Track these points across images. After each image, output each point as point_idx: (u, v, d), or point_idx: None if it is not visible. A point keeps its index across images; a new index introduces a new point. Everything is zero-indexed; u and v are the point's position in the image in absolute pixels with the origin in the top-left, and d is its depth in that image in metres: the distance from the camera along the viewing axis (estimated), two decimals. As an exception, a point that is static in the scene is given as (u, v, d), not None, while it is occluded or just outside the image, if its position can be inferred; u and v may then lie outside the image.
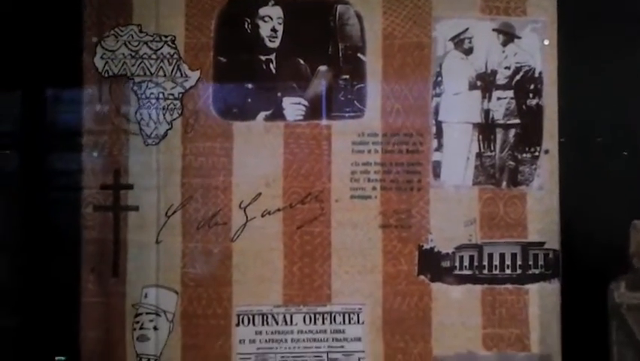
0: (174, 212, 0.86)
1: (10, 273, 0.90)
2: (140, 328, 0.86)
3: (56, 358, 0.88)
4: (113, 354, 0.86)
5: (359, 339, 0.87)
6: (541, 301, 0.87)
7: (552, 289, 0.87)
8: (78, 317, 0.86)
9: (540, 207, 0.87)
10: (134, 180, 0.87)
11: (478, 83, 0.88)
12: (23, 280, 0.89)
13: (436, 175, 0.87)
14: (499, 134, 0.88)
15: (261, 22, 0.88)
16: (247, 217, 0.86)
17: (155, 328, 0.86)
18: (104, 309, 0.86)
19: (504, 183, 0.88)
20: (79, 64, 0.87)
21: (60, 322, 0.87)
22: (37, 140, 0.91)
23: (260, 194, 0.87)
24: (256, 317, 0.87)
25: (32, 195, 0.90)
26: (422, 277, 0.87)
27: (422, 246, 0.87)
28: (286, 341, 0.87)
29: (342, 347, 0.87)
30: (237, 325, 0.87)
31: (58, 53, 0.88)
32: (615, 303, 0.79)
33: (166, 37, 0.87)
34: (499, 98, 0.88)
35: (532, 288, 0.87)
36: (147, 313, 0.86)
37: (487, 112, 0.88)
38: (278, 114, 0.87)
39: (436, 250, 0.87)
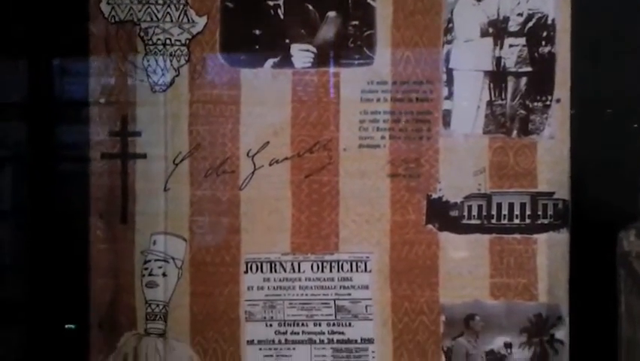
0: (182, 160, 0.86)
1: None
2: (149, 274, 0.87)
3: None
4: (122, 300, 0.87)
5: (366, 287, 0.87)
6: (550, 251, 0.87)
7: (561, 239, 0.86)
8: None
9: (550, 157, 0.86)
10: (142, 128, 0.87)
11: (490, 30, 0.86)
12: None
13: (446, 124, 0.87)
14: (511, 83, 0.86)
15: (268, -33, 0.86)
16: (255, 166, 0.86)
17: (164, 274, 0.87)
18: (112, 256, 0.87)
19: (514, 132, 0.86)
20: (85, 9, 0.86)
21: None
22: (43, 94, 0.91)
23: (268, 143, 0.86)
24: (264, 265, 0.87)
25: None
26: (430, 226, 0.87)
27: (430, 195, 0.87)
28: (294, 288, 0.87)
29: (350, 294, 0.87)
30: (246, 272, 0.87)
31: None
32: (624, 251, 0.79)
33: (172, -18, 0.86)
34: (510, 46, 0.86)
35: (541, 238, 0.87)
36: (156, 260, 0.87)
37: (498, 60, 0.86)
38: (286, 61, 0.86)
39: (444, 199, 0.87)
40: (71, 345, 0.87)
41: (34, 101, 0.89)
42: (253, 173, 0.86)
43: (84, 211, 0.86)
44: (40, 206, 0.88)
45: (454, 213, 0.87)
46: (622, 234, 0.79)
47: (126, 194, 0.86)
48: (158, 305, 0.87)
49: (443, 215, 0.87)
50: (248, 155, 0.86)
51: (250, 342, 0.87)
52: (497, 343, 0.87)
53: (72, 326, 0.88)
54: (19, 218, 0.92)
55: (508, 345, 0.87)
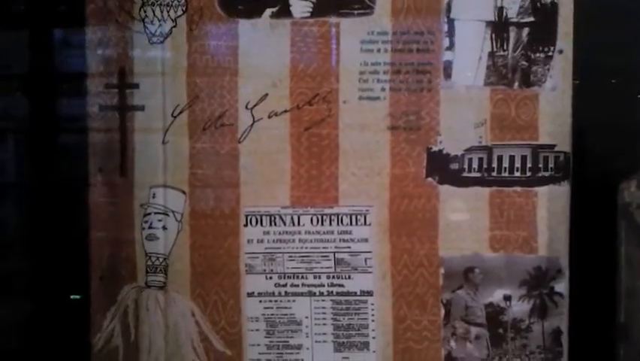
0: (180, 112, 0.86)
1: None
2: (149, 227, 0.87)
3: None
4: (122, 253, 0.87)
5: (366, 240, 0.87)
6: (550, 203, 0.86)
7: (561, 191, 0.86)
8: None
9: (552, 109, 0.85)
10: (140, 80, 0.86)
11: (492, -21, 0.85)
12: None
13: (447, 75, 0.85)
14: (513, 33, 0.85)
15: None
16: (254, 118, 0.86)
17: (164, 227, 0.87)
18: (112, 209, 0.87)
19: (516, 84, 0.85)
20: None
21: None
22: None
23: (267, 95, 0.85)
24: (264, 218, 0.87)
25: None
26: (430, 179, 0.86)
27: (431, 148, 0.86)
28: (294, 241, 0.87)
29: (349, 247, 0.87)
30: (245, 225, 0.87)
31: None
32: (625, 202, 0.79)
33: None
34: (513, -5, 0.85)
35: (542, 191, 0.86)
36: (156, 213, 0.87)
37: (500, 10, 0.85)
38: (284, 11, 0.85)
39: (444, 152, 0.86)
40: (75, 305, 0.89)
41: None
42: (252, 126, 0.86)
43: (84, 171, 0.87)
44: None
45: (455, 166, 0.86)
46: (623, 185, 0.79)
47: (125, 147, 0.86)
48: (158, 258, 0.87)
49: (443, 168, 0.86)
50: (247, 107, 0.85)
51: (250, 294, 0.88)
52: (497, 296, 0.87)
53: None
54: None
55: (507, 298, 0.87)
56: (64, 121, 0.91)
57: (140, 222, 0.87)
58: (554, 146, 0.86)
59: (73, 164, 0.88)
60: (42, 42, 0.90)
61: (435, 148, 0.86)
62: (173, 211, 0.87)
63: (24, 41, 0.90)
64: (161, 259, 0.87)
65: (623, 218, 0.79)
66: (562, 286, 0.87)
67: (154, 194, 0.86)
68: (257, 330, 0.88)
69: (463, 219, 0.87)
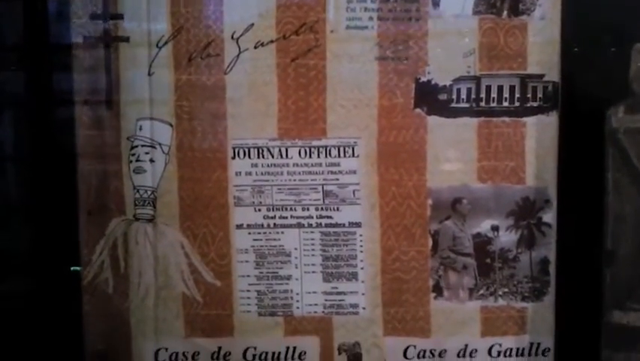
0: (165, 43, 0.84)
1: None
2: (137, 160, 0.87)
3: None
4: (110, 186, 0.87)
5: (354, 172, 0.87)
6: (539, 134, 0.86)
7: (550, 121, 0.86)
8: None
9: (541, 38, 0.84)
10: (124, 10, 0.85)
11: None
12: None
13: (435, 4, 0.84)
14: (502, -40, 0.84)
15: None
16: (240, 49, 0.85)
17: (152, 160, 0.87)
18: (99, 142, 0.87)
19: (505, 13, 0.84)
20: None
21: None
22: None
23: (252, 24, 0.84)
24: (252, 150, 0.87)
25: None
26: (418, 110, 0.86)
27: (419, 78, 0.85)
28: (282, 173, 0.87)
29: (337, 179, 0.87)
30: (233, 158, 0.87)
31: None
32: (612, 128, 0.79)
33: None
34: None
35: (530, 121, 0.86)
36: (142, 146, 0.86)
37: (489, -64, 0.84)
38: (270, -62, 0.83)
39: (433, 82, 0.85)
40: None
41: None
42: (238, 56, 0.85)
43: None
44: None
45: (443, 96, 0.86)
46: (611, 110, 0.78)
47: (110, 79, 0.85)
48: (146, 191, 0.87)
49: (432, 98, 0.86)
50: (232, 37, 0.84)
51: (239, 226, 0.88)
52: (484, 226, 0.88)
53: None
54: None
55: (495, 228, 0.88)
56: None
57: (127, 155, 0.87)
58: (543, 76, 0.85)
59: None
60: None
61: (423, 79, 0.86)
62: (160, 144, 0.86)
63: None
64: (149, 192, 0.87)
65: (610, 144, 0.79)
66: (550, 217, 0.87)
67: (140, 126, 0.86)
68: (246, 262, 0.88)
69: (452, 150, 0.87)
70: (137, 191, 0.87)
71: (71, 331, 0.89)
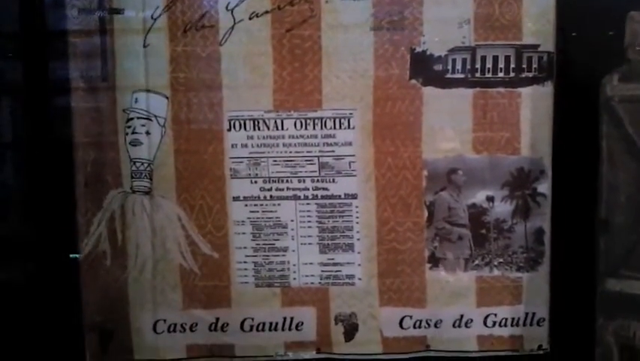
0: (160, 14, 0.84)
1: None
2: (133, 132, 0.87)
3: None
4: (107, 159, 0.87)
5: (350, 144, 0.87)
6: (534, 104, 0.86)
7: (545, 92, 0.86)
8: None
9: (536, 8, 0.84)
10: (118, -19, 0.85)
11: None
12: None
13: (430, -26, 0.84)
14: None
15: None
16: (235, 20, 0.84)
17: (148, 132, 0.87)
18: (95, 114, 0.87)
19: (500, -17, 0.85)
20: None
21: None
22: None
23: (247, -5, 0.85)
24: (247, 122, 0.87)
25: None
26: (414, 81, 0.86)
27: (414, 49, 0.85)
28: (278, 145, 0.88)
29: (333, 151, 0.88)
30: (229, 130, 0.87)
31: None
32: (607, 96, 0.79)
33: None
34: None
35: (525, 91, 0.86)
36: (138, 118, 0.86)
37: None
38: None
39: (428, 52, 0.85)
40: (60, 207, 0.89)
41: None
42: (233, 27, 0.85)
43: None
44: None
45: (438, 67, 0.86)
46: (605, 79, 0.78)
47: (105, 51, 0.85)
48: (142, 163, 0.87)
49: (427, 69, 0.86)
50: (227, 8, 0.84)
51: (236, 198, 0.88)
52: (479, 197, 0.88)
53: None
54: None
55: (490, 199, 0.88)
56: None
57: (123, 127, 0.87)
58: (538, 46, 0.85)
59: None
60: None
61: (419, 49, 0.85)
62: (155, 116, 0.86)
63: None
64: (145, 165, 0.87)
65: (605, 112, 0.79)
66: (545, 187, 0.88)
67: (136, 99, 0.86)
68: (243, 233, 0.89)
69: (447, 121, 0.87)
70: (134, 163, 0.87)
71: (70, 303, 0.90)
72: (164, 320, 0.90)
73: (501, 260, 0.89)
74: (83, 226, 0.88)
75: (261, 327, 0.91)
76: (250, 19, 0.84)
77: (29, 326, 0.90)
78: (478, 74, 0.86)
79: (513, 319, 0.90)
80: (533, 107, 0.86)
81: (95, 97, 0.86)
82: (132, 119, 0.86)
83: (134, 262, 0.89)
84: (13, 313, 0.90)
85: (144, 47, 0.85)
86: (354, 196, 0.88)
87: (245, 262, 0.89)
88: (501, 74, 0.86)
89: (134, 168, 0.87)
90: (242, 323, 0.90)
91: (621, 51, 0.80)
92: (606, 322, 0.82)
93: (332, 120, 0.87)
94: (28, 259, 0.91)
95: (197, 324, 0.91)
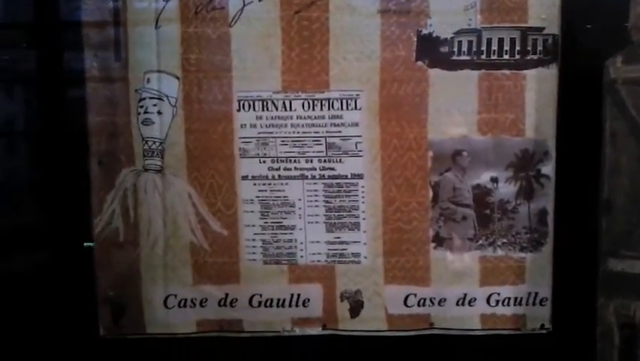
0: (172, -3, 0.87)
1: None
2: (145, 112, 0.89)
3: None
4: (120, 138, 0.90)
5: (356, 124, 0.89)
6: (539, 86, 0.87)
7: (550, 74, 0.87)
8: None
9: (542, -9, 0.85)
10: (131, -37, 0.87)
11: None
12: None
13: (437, -43, 0.85)
14: None
15: None
16: (244, 2, 0.86)
17: (159, 112, 0.89)
18: (108, 94, 0.89)
19: (506, -35, 0.85)
20: None
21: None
22: None
23: (256, -23, 0.86)
24: (256, 103, 0.89)
25: None
26: (420, 62, 0.87)
27: (421, 31, 0.87)
28: (286, 126, 0.89)
29: (340, 132, 0.89)
30: (238, 110, 0.89)
31: None
32: (611, 78, 0.80)
33: None
34: None
35: (530, 73, 0.87)
36: (150, 98, 0.89)
37: None
38: None
39: (434, 35, 0.87)
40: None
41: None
42: (242, 9, 0.86)
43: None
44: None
45: (444, 49, 0.87)
46: (609, 61, 0.79)
47: (118, 32, 0.87)
48: (154, 142, 0.89)
49: (433, 51, 0.87)
50: (237, -10, 0.86)
51: (245, 177, 0.90)
52: (484, 178, 0.90)
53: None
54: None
55: (494, 180, 0.90)
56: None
57: (135, 106, 0.89)
58: (543, 29, 0.86)
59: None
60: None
61: (425, 31, 0.87)
62: (167, 96, 0.88)
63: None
64: (157, 143, 0.89)
65: (608, 94, 0.80)
66: (548, 169, 0.89)
67: (148, 79, 0.88)
68: (252, 212, 0.91)
69: (452, 102, 0.88)
70: (146, 142, 0.89)
71: (84, 280, 0.93)
72: (175, 295, 0.93)
73: (504, 240, 0.91)
74: (97, 204, 0.91)
75: (268, 303, 0.93)
76: (260, 0, 0.86)
77: (47, 303, 0.93)
78: (483, 57, 0.87)
79: (516, 298, 0.92)
80: (538, 89, 0.87)
81: (108, 77, 0.88)
82: (144, 99, 0.89)
83: (146, 239, 0.91)
84: (30, 293, 0.93)
85: (156, 28, 0.87)
86: (360, 176, 0.90)
87: (253, 240, 0.92)
88: (506, 57, 0.87)
89: (146, 146, 0.89)
90: (250, 299, 0.93)
91: (625, 34, 0.81)
92: (607, 301, 0.83)
93: (339, 101, 0.89)
94: (45, 243, 0.93)
95: (206, 300, 0.93)
